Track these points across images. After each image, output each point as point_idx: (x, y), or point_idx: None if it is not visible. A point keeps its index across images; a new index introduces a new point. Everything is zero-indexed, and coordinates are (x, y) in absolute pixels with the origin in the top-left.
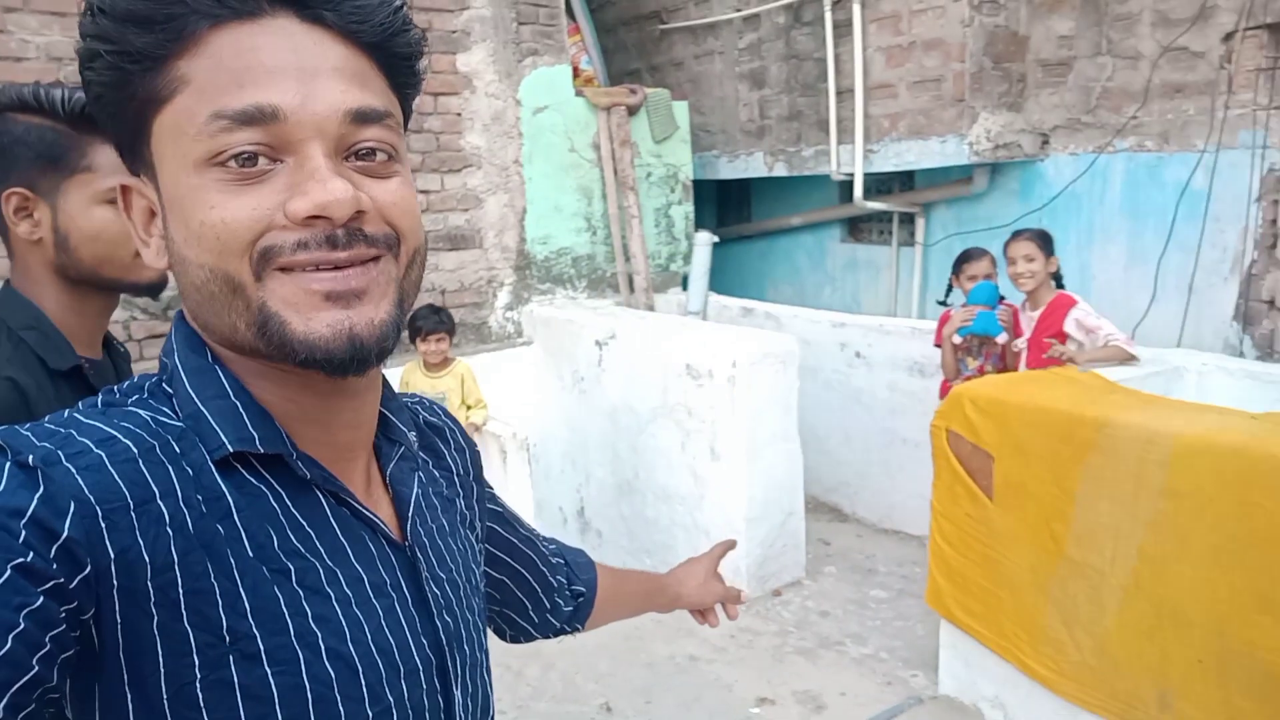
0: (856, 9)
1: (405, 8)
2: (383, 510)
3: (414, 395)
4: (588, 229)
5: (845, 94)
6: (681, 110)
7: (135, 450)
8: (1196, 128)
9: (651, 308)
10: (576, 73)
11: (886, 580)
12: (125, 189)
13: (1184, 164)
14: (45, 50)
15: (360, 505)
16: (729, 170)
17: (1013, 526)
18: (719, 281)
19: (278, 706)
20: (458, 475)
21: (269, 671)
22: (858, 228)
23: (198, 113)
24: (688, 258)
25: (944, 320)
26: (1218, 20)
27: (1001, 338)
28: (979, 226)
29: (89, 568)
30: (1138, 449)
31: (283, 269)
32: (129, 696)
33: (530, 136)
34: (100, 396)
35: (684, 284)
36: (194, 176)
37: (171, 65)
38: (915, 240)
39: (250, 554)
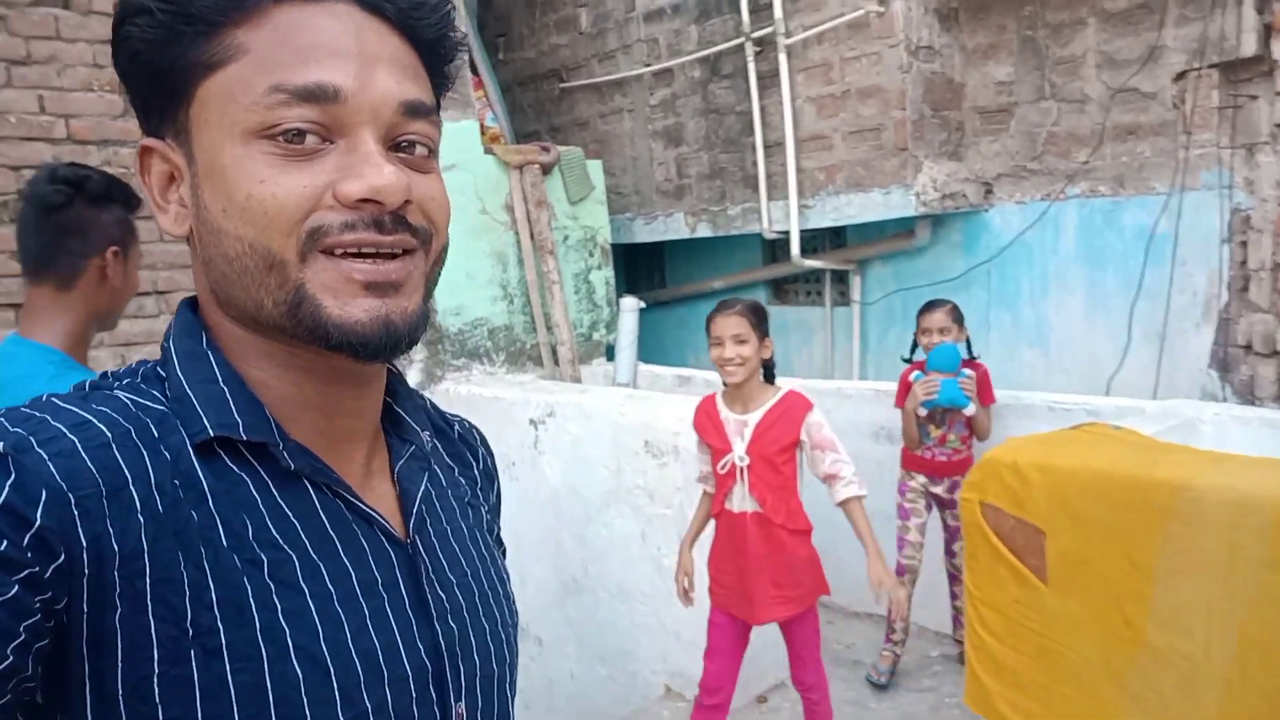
0: (782, 59)
1: (453, 9)
2: (384, 505)
3: (455, 415)
4: (504, 297)
5: (773, 148)
6: (596, 169)
7: (109, 435)
8: (1154, 170)
9: (578, 380)
10: (483, 129)
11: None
12: (146, 150)
13: (1143, 208)
14: None
15: (355, 498)
16: (646, 233)
17: (1075, 612)
18: (640, 349)
19: (235, 706)
20: (483, 492)
21: (229, 669)
22: (783, 289)
23: (255, 83)
24: (611, 325)
25: (904, 381)
26: (1167, 61)
27: (970, 409)
28: (921, 281)
29: (62, 556)
30: (1229, 515)
31: (326, 251)
32: (87, 687)
33: None
34: (90, 380)
35: (608, 354)
36: (240, 146)
37: (228, 33)
38: (851, 299)
39: (224, 543)
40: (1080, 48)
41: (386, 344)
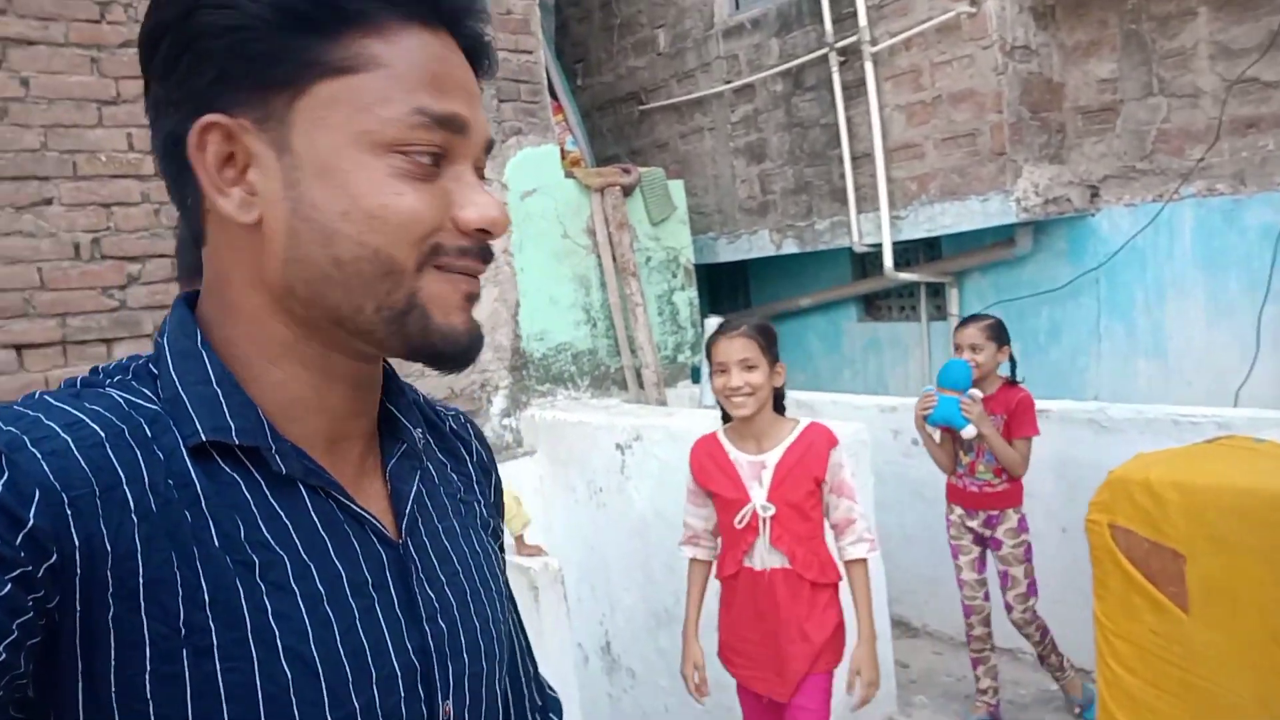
0: (868, 67)
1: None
2: (376, 505)
3: (450, 407)
4: (587, 321)
5: (861, 159)
6: (678, 189)
7: (103, 434)
8: (1278, 164)
9: (663, 403)
10: (563, 154)
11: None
12: (210, 126)
13: (1268, 205)
14: None
15: (348, 500)
16: (729, 252)
17: (1221, 644)
18: None
19: (224, 705)
20: (478, 485)
21: (219, 668)
22: (875, 305)
23: (395, 100)
24: (695, 347)
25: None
26: None
27: (967, 431)
28: (1023, 292)
29: (55, 556)
30: None
31: (439, 267)
32: (80, 686)
33: (519, 223)
34: (81, 376)
35: (694, 376)
36: (368, 155)
37: (359, 40)
38: (948, 313)
39: (216, 543)
40: (1190, 39)
41: (471, 351)
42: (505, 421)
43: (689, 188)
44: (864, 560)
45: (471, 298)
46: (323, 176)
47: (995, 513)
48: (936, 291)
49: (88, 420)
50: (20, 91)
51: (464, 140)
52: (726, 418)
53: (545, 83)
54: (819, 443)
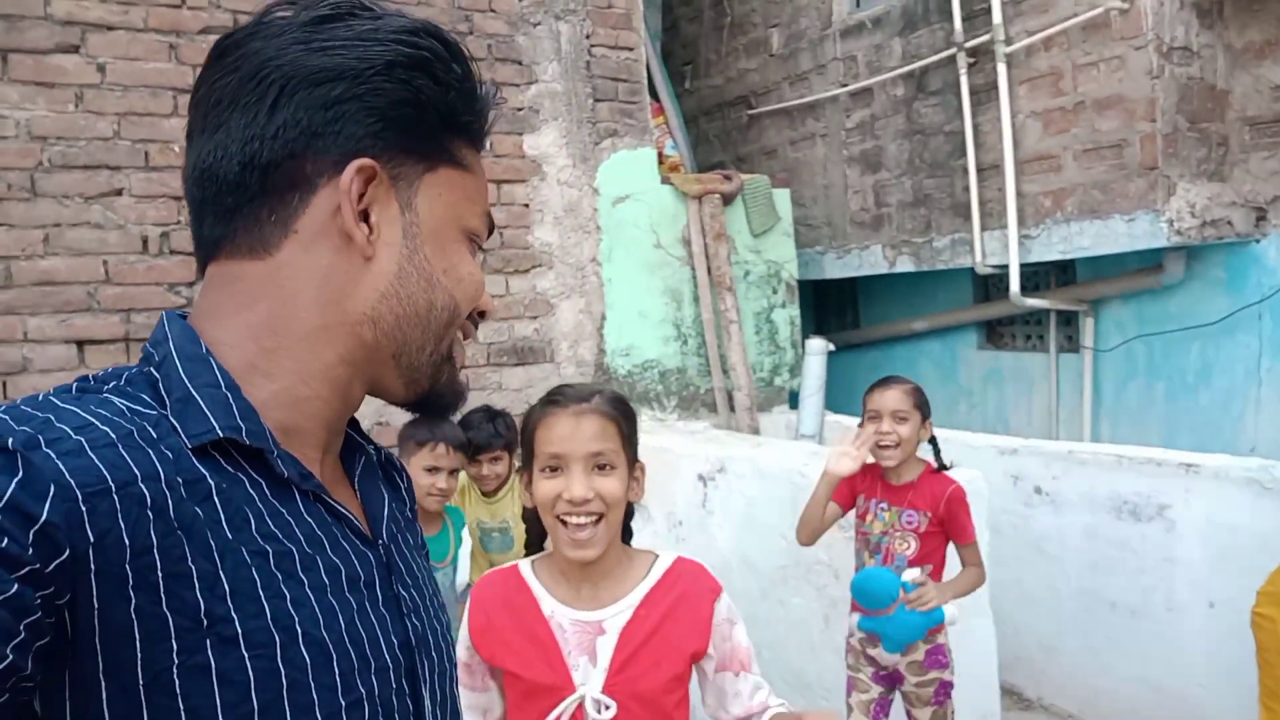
0: (1001, 70)
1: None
2: (353, 509)
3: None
4: (677, 337)
5: (989, 170)
6: (783, 199)
7: (114, 435)
8: None
9: (756, 430)
10: (661, 158)
11: None
12: (365, 167)
13: None
14: (27, 128)
15: (335, 502)
16: (838, 268)
17: None
18: (827, 397)
19: (253, 691)
20: (410, 511)
21: (246, 655)
22: (997, 332)
23: (478, 201)
24: (794, 370)
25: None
26: None
27: (949, 615)
28: (1170, 325)
29: (67, 552)
30: None
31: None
32: (103, 685)
33: (609, 230)
34: (76, 383)
35: (792, 401)
36: (457, 233)
37: (465, 146)
38: (1081, 345)
39: (229, 536)
40: None
41: (458, 406)
42: None
43: (796, 198)
44: None
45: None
46: (434, 239)
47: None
48: (1068, 320)
49: (97, 422)
50: (96, 78)
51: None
52: (534, 542)
53: (645, 82)
54: (694, 591)
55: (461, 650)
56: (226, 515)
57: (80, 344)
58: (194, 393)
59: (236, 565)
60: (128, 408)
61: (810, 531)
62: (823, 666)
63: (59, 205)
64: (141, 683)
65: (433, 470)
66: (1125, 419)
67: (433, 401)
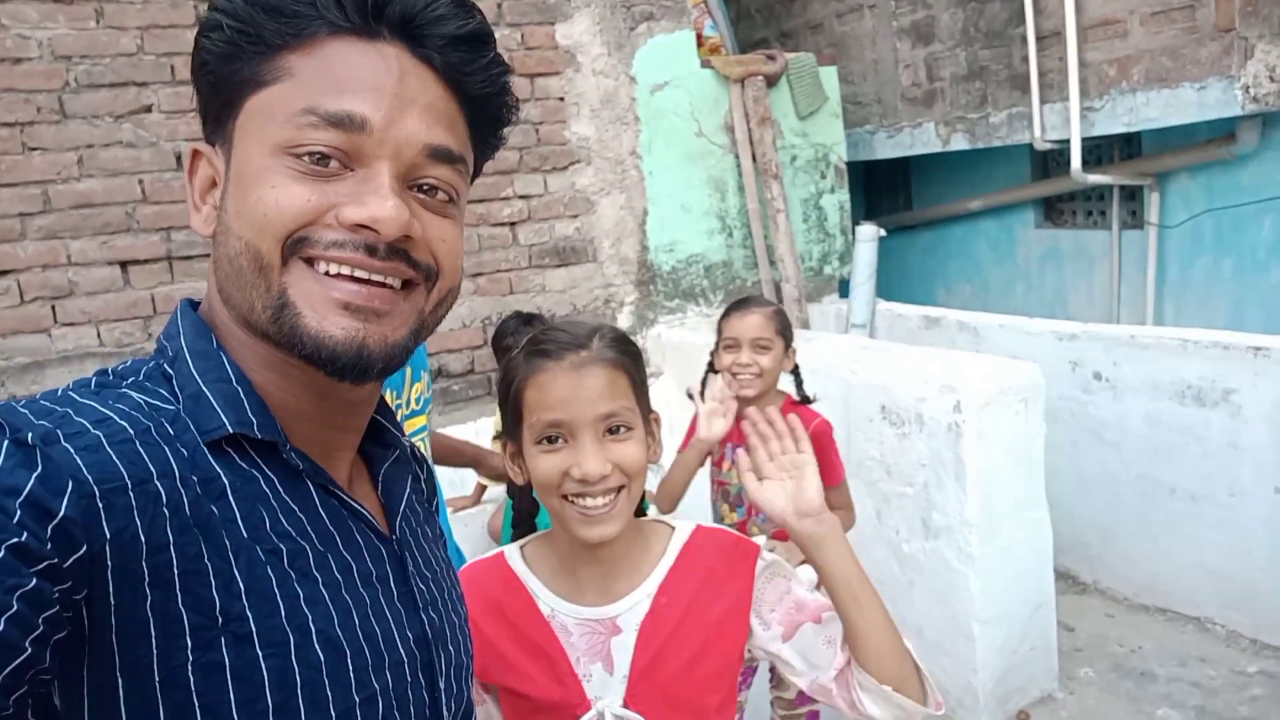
0: None
1: (509, 74)
2: (369, 505)
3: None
4: (722, 230)
5: (1049, 39)
6: (830, 77)
7: (131, 431)
8: None
9: (805, 323)
10: (700, 41)
11: (1175, 691)
12: (196, 154)
13: None
14: (50, 48)
15: (348, 496)
16: (889, 148)
17: None
18: (879, 285)
19: (267, 689)
20: (428, 501)
21: (260, 653)
22: (1057, 209)
23: (292, 102)
24: (844, 257)
25: (691, 431)
26: None
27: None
28: (1243, 198)
29: (84, 548)
30: None
31: (307, 260)
32: (119, 681)
33: (649, 121)
34: (94, 377)
35: (842, 290)
36: (268, 158)
37: (282, 56)
38: (1145, 221)
39: (244, 534)
40: None
41: (356, 365)
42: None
43: (845, 74)
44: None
45: (354, 308)
46: (236, 182)
47: None
48: (1131, 195)
49: (115, 417)
50: None
51: (369, 139)
52: (524, 522)
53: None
54: (724, 562)
55: None
56: (242, 514)
57: (124, 265)
58: (205, 389)
59: (251, 564)
60: (146, 403)
61: (673, 500)
62: (873, 561)
63: (89, 126)
64: (158, 679)
65: None
66: (1191, 299)
67: (306, 357)
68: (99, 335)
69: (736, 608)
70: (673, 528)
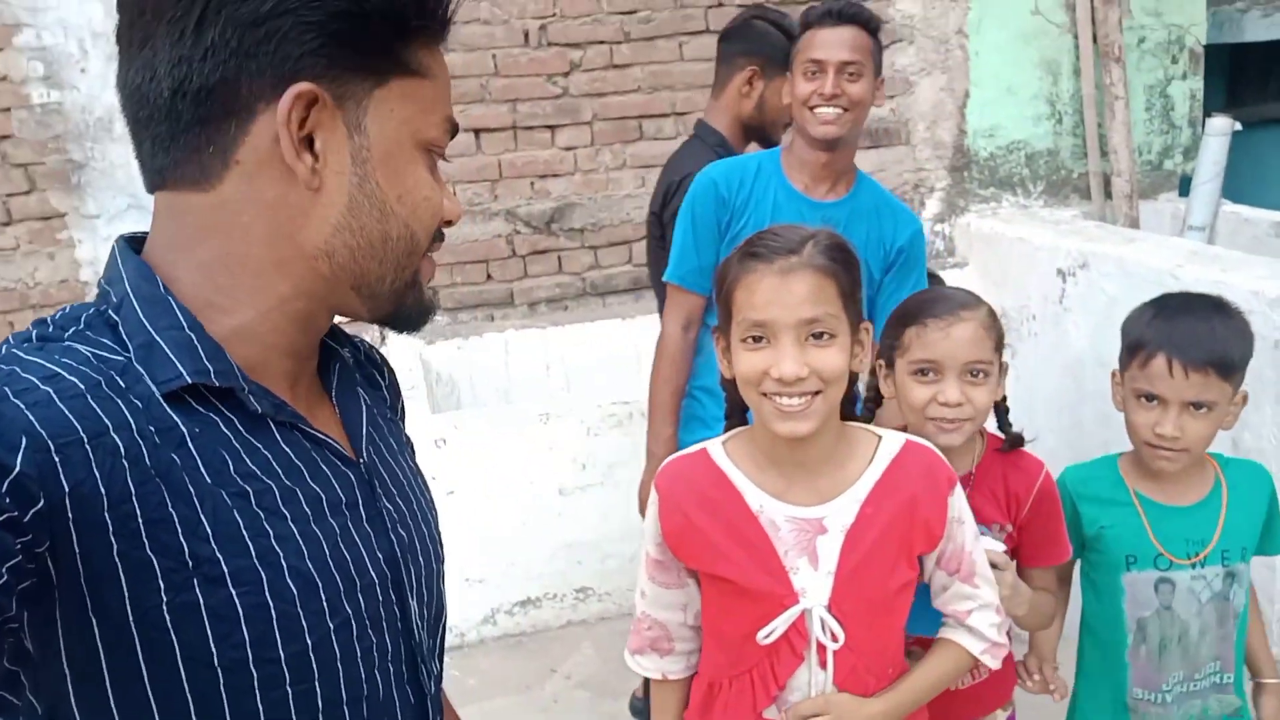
0: None
1: None
2: (332, 431)
3: (355, 336)
4: (1050, 115)
5: None
6: None
7: (82, 386)
8: None
9: (1135, 221)
10: None
11: None
12: (304, 94)
13: None
14: None
15: (311, 428)
16: (1262, 29)
17: None
18: (1228, 185)
19: (243, 624)
20: (390, 408)
21: (233, 592)
22: None
23: (438, 108)
24: (1189, 153)
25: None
26: None
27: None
28: None
29: (42, 501)
30: None
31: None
32: (93, 622)
33: None
34: (33, 329)
35: (1182, 188)
36: (412, 149)
37: (423, 49)
38: None
39: (208, 480)
40: None
41: (426, 322)
42: (938, 228)
43: None
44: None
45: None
46: (386, 163)
47: None
48: None
49: (64, 373)
50: None
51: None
52: (735, 414)
53: None
54: (928, 485)
55: (652, 548)
56: (203, 460)
57: (476, 132)
58: (156, 337)
59: (217, 508)
60: (93, 354)
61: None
62: None
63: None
64: (132, 619)
65: None
66: None
67: (407, 320)
68: (455, 193)
69: (931, 531)
70: (879, 436)
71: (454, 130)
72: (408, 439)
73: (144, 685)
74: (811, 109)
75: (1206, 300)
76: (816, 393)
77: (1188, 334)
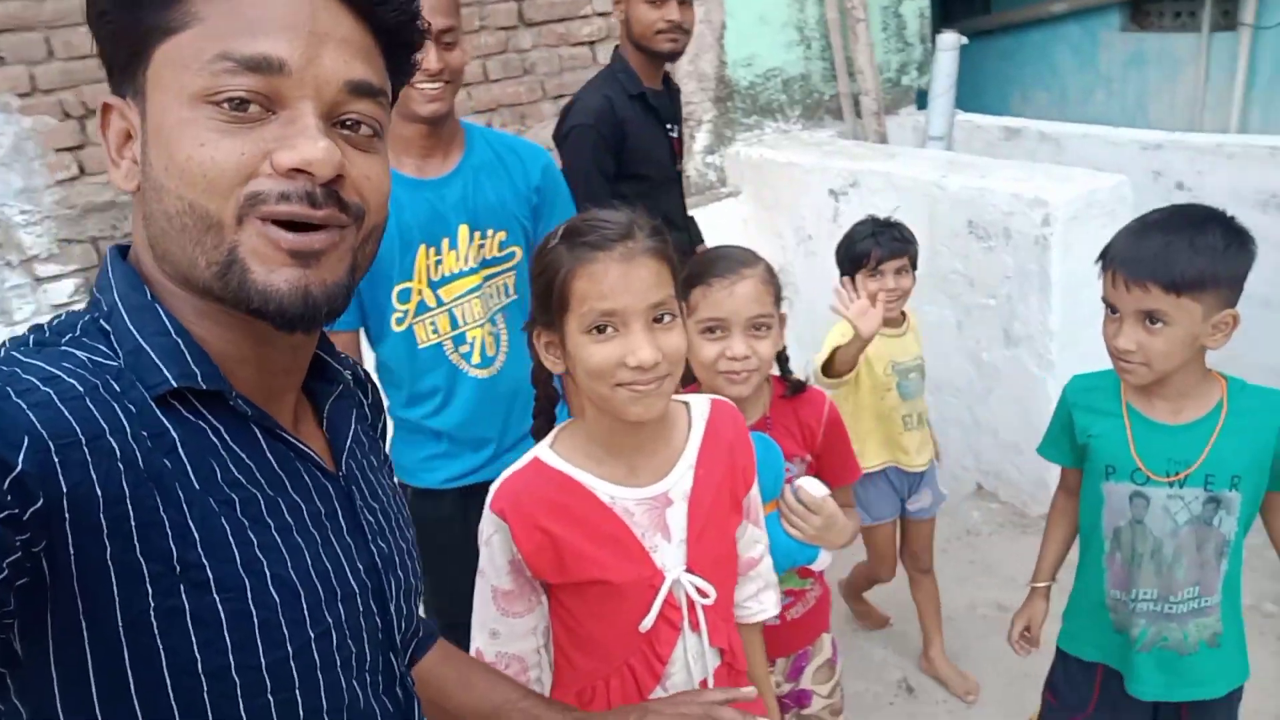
0: None
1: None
2: (315, 444)
3: (343, 354)
4: (800, 41)
5: None
6: None
7: (80, 389)
8: None
9: (883, 136)
10: None
11: None
12: (106, 107)
13: None
14: None
15: (294, 438)
16: None
17: None
18: (958, 95)
19: (225, 631)
20: (372, 426)
21: (217, 599)
22: (1143, 11)
23: (204, 49)
24: (923, 68)
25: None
26: None
27: (821, 562)
28: None
29: (41, 501)
30: None
31: (261, 218)
32: (83, 625)
33: None
34: (31, 335)
35: (919, 101)
36: (186, 110)
37: (187, 1)
38: (1239, 21)
39: (197, 486)
40: None
41: (304, 315)
42: (708, 160)
43: None
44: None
45: (302, 253)
46: (156, 137)
47: (805, 649)
48: None
49: (63, 376)
50: None
51: (288, 80)
52: (545, 411)
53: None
54: (740, 437)
55: (500, 580)
56: (193, 467)
57: None
58: (143, 344)
59: (205, 515)
60: (90, 359)
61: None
62: (953, 369)
63: None
64: (121, 624)
65: None
66: None
67: (255, 312)
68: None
69: (747, 478)
70: (685, 403)
71: (254, 62)
72: (386, 456)
73: (129, 690)
74: (415, 86)
75: (1187, 216)
76: (667, 375)
77: (1135, 248)
